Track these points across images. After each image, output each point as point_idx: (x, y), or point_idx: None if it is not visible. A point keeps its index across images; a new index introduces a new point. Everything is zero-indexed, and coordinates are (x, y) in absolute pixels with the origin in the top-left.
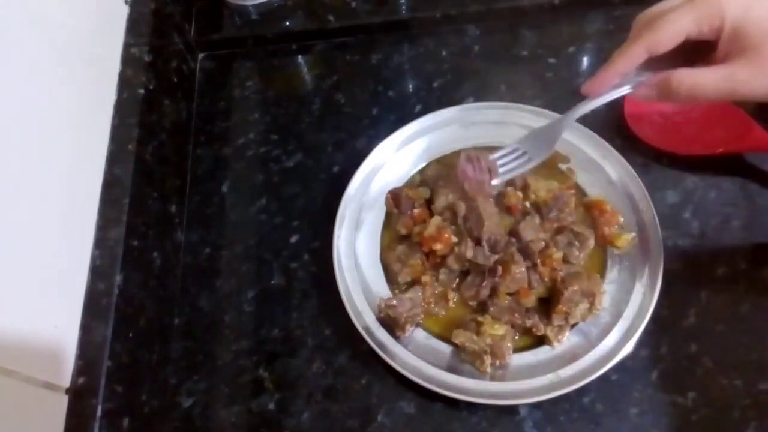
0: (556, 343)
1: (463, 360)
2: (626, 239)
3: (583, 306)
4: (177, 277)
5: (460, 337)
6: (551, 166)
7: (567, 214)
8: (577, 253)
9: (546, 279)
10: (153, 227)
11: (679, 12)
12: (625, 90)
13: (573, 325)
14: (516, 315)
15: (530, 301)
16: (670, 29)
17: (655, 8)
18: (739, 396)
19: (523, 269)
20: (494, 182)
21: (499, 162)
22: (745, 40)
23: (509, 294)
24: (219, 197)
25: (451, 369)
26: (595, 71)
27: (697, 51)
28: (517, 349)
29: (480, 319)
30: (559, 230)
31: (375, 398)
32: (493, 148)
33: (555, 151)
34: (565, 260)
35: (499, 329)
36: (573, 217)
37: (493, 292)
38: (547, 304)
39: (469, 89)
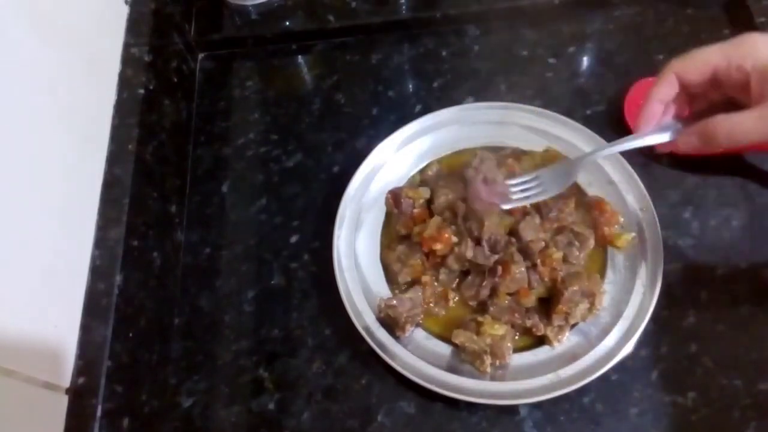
0: (556, 343)
1: (463, 360)
2: (626, 239)
3: (583, 306)
4: (177, 277)
5: (460, 337)
6: None
7: (567, 214)
8: (577, 253)
9: (546, 279)
10: (153, 227)
11: (709, 46)
12: (665, 137)
13: (573, 325)
14: (516, 315)
15: (530, 301)
16: (698, 57)
17: None
18: (739, 396)
19: (523, 269)
20: (505, 207)
21: (514, 189)
22: None
23: (509, 294)
24: (219, 197)
25: (451, 369)
26: (595, 71)
27: (736, 106)
28: (517, 349)
29: (480, 319)
30: (559, 230)
31: (375, 398)
32: (495, 149)
33: (556, 152)
34: (565, 260)
35: (499, 329)
36: (573, 217)
37: (493, 292)
38: (547, 304)
39: (469, 89)
